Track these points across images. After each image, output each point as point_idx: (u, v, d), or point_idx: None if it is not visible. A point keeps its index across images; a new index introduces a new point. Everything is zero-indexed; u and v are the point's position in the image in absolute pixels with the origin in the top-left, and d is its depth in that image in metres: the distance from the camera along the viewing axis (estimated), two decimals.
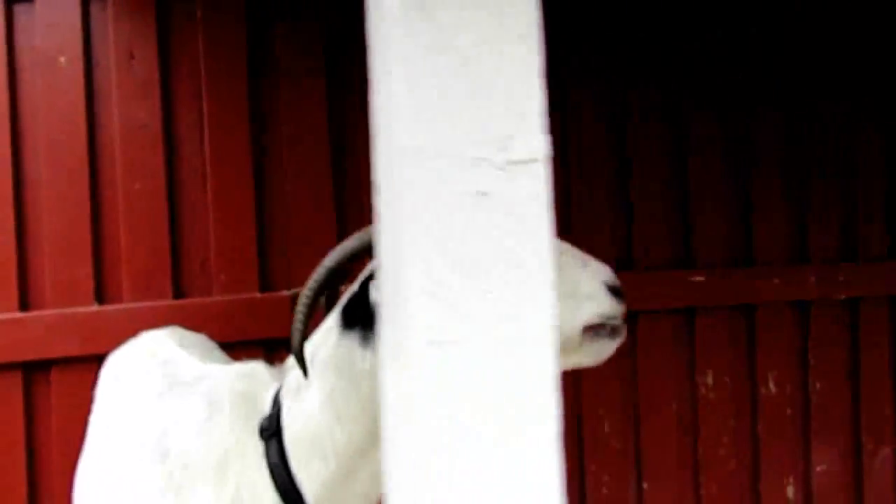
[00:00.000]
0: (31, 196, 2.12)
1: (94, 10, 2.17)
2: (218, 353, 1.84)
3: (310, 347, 1.26)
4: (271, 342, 2.13)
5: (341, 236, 1.76)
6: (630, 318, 2.47)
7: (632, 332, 2.50)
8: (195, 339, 1.89)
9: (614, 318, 1.27)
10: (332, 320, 1.27)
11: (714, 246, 2.61)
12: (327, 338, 1.26)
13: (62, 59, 2.12)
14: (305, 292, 1.15)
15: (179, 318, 2.04)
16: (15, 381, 2.07)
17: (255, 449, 1.24)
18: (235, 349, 1.90)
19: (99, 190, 2.15)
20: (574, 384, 2.47)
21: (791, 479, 2.65)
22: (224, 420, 1.27)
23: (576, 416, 2.48)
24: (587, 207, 2.49)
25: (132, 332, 1.72)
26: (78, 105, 2.13)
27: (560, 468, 0.67)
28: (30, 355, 2.06)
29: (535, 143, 0.66)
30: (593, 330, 1.26)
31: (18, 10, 2.11)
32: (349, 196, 2.28)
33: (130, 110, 2.16)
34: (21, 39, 2.12)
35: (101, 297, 2.13)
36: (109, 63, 2.16)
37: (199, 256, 2.19)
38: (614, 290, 1.26)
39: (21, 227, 2.11)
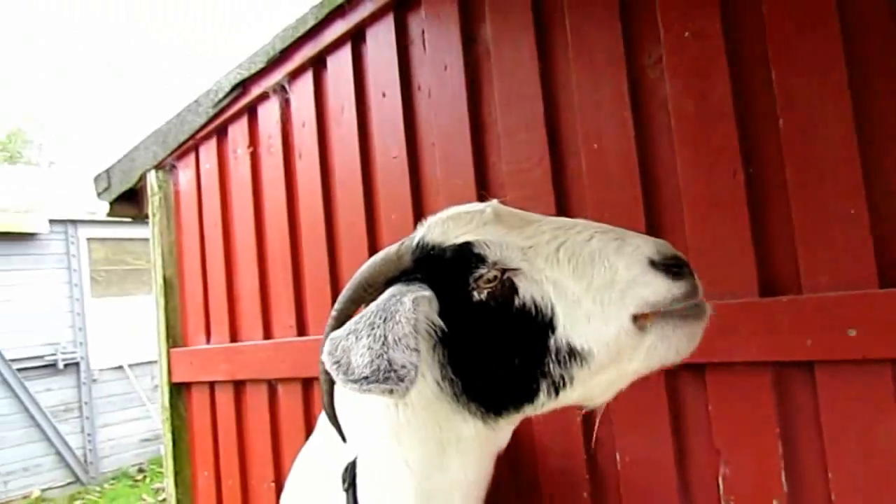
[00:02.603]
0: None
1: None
2: None
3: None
4: None
5: None
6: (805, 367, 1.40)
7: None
8: None
9: (676, 301, 0.94)
10: None
11: None
12: None
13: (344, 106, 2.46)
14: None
15: None
16: (295, 390, 2.52)
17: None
18: None
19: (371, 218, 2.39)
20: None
21: None
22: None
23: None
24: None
25: None
26: (353, 142, 2.42)
27: None
28: (305, 373, 2.49)
29: None
30: (658, 316, 0.96)
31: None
32: None
33: (384, 144, 2.31)
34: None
35: None
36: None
37: None
38: (668, 266, 0.95)
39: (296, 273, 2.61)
